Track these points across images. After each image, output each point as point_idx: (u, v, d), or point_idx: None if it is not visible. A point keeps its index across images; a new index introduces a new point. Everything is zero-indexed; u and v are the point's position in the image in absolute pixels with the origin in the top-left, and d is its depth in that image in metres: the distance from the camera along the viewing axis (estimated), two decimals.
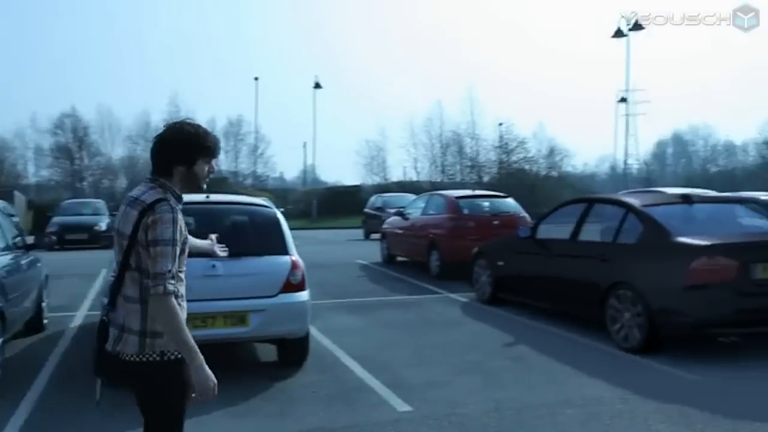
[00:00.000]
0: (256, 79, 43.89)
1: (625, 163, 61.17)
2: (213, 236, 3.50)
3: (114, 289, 2.67)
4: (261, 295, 5.92)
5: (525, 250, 8.41)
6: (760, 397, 5.34)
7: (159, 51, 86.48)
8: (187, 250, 2.74)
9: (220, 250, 3.46)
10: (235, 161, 54.69)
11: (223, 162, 51.07)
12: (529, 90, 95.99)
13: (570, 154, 52.50)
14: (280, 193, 41.42)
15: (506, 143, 46.91)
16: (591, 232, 7.49)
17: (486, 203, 12.80)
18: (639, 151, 53.46)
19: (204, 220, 6.40)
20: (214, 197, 6.64)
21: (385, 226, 15.10)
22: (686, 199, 7.28)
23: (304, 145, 47.28)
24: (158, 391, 2.65)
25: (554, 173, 48.47)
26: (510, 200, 13.15)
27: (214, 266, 5.74)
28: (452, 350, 7.01)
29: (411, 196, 25.34)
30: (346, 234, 25.84)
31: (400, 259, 14.51)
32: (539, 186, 43.56)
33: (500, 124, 46.43)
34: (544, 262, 7.95)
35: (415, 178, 47.52)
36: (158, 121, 50.45)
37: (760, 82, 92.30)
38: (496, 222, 12.16)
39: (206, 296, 5.67)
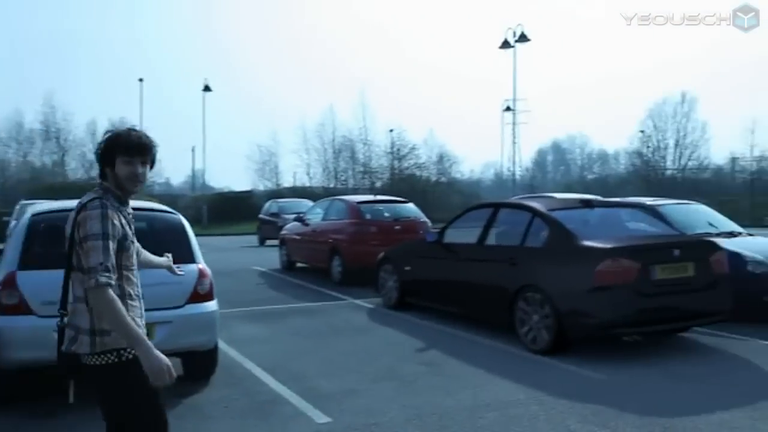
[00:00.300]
0: (140, 80, 42.03)
1: (510, 170, 63.53)
2: (169, 255, 3.56)
3: (64, 291, 2.75)
4: (167, 306, 5.58)
5: (432, 255, 8.45)
6: (665, 393, 5.58)
7: (34, 50, 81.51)
8: (131, 249, 2.78)
9: (178, 270, 3.56)
10: None
11: None
12: (420, 96, 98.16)
13: (458, 160, 54.03)
14: (168, 199, 39.73)
15: (398, 149, 47.49)
16: (498, 237, 7.63)
17: (387, 208, 12.80)
18: (521, 158, 55.47)
19: None
20: None
21: (284, 232, 14.82)
22: (587, 203, 7.56)
23: (193, 150, 45.91)
24: (122, 395, 2.67)
25: (444, 179, 49.63)
26: (411, 205, 13.23)
27: None
28: (364, 357, 6.91)
29: (307, 202, 25.12)
30: (240, 240, 25.25)
31: (300, 265, 14.27)
32: (430, 191, 44.42)
33: (391, 131, 47.10)
34: (452, 266, 8.01)
35: (308, 184, 47.18)
36: (32, 122, 47.50)
37: (629, 95, 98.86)
38: (397, 227, 12.20)
39: None
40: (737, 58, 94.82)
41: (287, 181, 49.88)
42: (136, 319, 2.73)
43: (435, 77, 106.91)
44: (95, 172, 2.93)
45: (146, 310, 5.39)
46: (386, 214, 12.53)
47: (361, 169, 48.04)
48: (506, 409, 5.23)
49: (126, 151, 2.72)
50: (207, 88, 40.40)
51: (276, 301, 10.59)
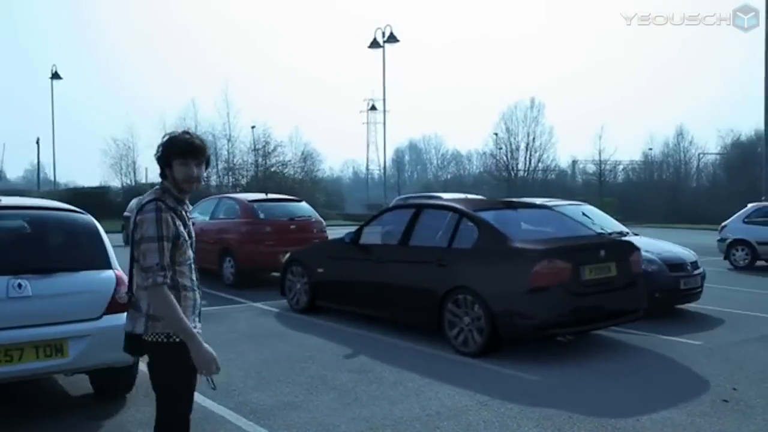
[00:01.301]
0: None
1: (368, 168, 64.15)
2: None
3: (130, 278, 3.06)
4: (82, 318, 4.92)
5: (349, 256, 8.16)
6: (601, 392, 5.68)
7: None
8: (185, 246, 3.01)
9: None
10: None
11: None
12: (284, 95, 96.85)
13: (321, 158, 53.90)
14: (10, 195, 36.49)
15: (264, 145, 46.52)
16: (422, 238, 7.46)
17: (281, 207, 12.32)
18: (382, 157, 56.25)
19: (1, 229, 5.23)
20: (7, 201, 5.43)
21: None
22: (508, 205, 7.60)
23: (37, 141, 42.31)
24: (164, 370, 3.00)
25: (309, 177, 49.31)
26: (305, 204, 12.83)
27: (20, 285, 4.65)
28: (289, 366, 6.51)
29: None
30: None
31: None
32: (297, 189, 43.99)
33: (253, 127, 45.93)
34: (372, 268, 7.75)
35: None
36: None
37: (482, 100, 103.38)
38: (293, 226, 11.78)
39: (10, 323, 4.59)
40: (582, 64, 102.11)
41: (146, 177, 47.26)
42: (188, 309, 2.99)
43: (297, 77, 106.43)
44: None
45: (58, 323, 4.84)
46: (280, 213, 12.05)
47: (225, 165, 46.50)
48: (458, 417, 5.07)
49: (181, 153, 2.97)
50: (56, 76, 37.41)
51: None
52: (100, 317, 4.99)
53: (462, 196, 17.27)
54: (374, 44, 33.95)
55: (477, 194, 24.98)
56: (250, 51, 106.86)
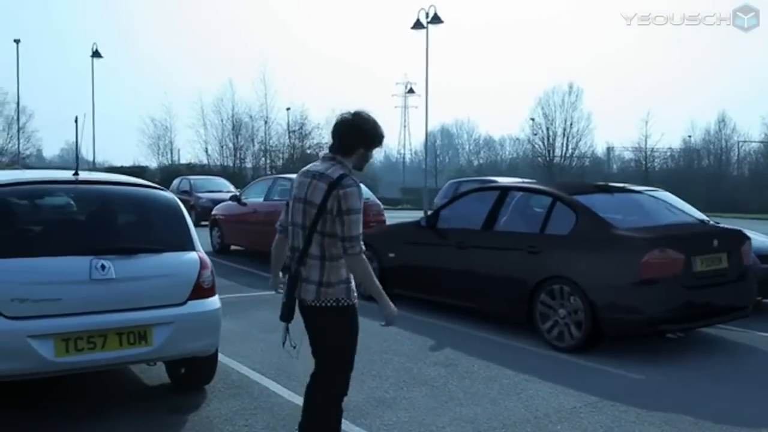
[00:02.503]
0: (17, 41, 38.22)
1: (400, 152, 63.32)
2: None
3: (303, 249, 3.21)
4: (166, 303, 4.55)
5: (425, 241, 7.68)
6: (717, 395, 5.17)
7: None
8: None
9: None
10: None
11: None
12: (320, 76, 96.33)
13: None
14: None
15: (300, 127, 46.21)
16: (508, 223, 6.97)
17: None
18: (412, 142, 55.51)
19: (81, 206, 4.88)
20: (87, 175, 5.05)
21: (216, 212, 13.52)
22: (602, 188, 7.06)
23: (76, 120, 42.26)
24: (332, 332, 3.23)
25: None
26: (362, 187, 12.38)
27: (103, 267, 4.26)
28: (369, 358, 6.06)
29: (221, 180, 23.62)
30: None
31: (234, 248, 13.09)
32: None
33: (288, 109, 45.57)
34: (452, 254, 7.26)
35: (204, 161, 44.70)
36: None
37: (520, 85, 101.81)
38: None
39: (94, 308, 4.21)
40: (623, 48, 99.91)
41: (182, 158, 47.27)
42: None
43: (334, 62, 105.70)
44: None
45: (142, 308, 4.47)
46: None
47: (261, 147, 46.25)
48: (571, 419, 4.62)
49: (382, 140, 3.29)
50: (96, 54, 37.30)
51: (227, 290, 9.43)
52: (185, 303, 4.62)
53: (518, 180, 16.64)
54: (417, 25, 33.25)
55: (520, 178, 24.25)
56: (285, 34, 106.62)
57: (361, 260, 3.15)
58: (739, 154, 58.62)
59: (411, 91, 50.55)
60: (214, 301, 4.83)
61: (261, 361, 5.85)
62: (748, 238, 6.57)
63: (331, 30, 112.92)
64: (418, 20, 33.01)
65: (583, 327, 5.95)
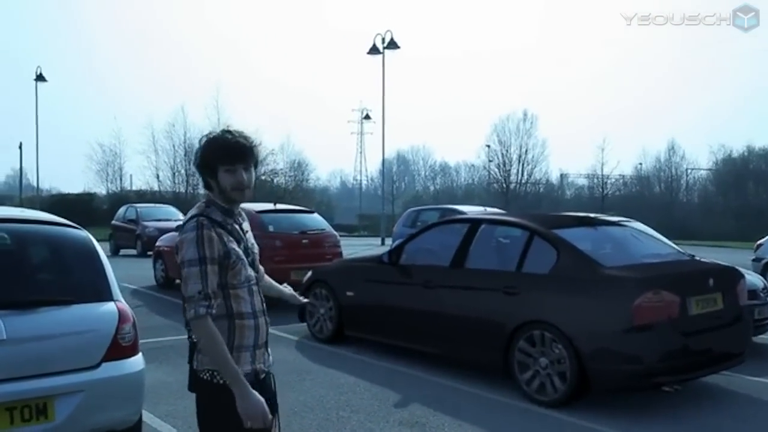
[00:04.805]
0: None
1: (356, 179, 62.69)
2: (288, 285, 3.06)
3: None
4: (74, 367, 3.73)
5: (387, 279, 6.94)
6: None
7: None
8: (239, 265, 2.48)
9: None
10: None
11: None
12: (274, 103, 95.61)
13: (311, 168, 53.14)
14: None
15: None
16: (481, 259, 6.27)
17: (292, 219, 11.06)
18: (368, 168, 54.76)
19: None
20: None
21: (160, 243, 12.58)
22: (583, 221, 6.44)
23: (20, 146, 40.64)
24: (203, 412, 2.53)
25: (300, 187, 48.43)
26: (317, 216, 11.61)
27: None
28: (326, 415, 5.29)
29: (169, 208, 22.53)
30: None
31: (179, 282, 12.13)
32: (288, 199, 42.92)
33: None
34: (418, 294, 6.54)
35: (156, 188, 43.18)
36: None
37: (476, 113, 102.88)
38: (305, 240, 10.55)
39: None
40: (574, 77, 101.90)
41: (133, 185, 45.61)
42: (247, 340, 2.51)
43: (284, 87, 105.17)
44: None
45: (41, 376, 3.62)
46: (291, 226, 10.81)
47: None
48: None
49: (226, 157, 2.49)
50: (41, 77, 35.99)
51: (167, 331, 8.56)
52: (98, 365, 3.82)
53: (481, 209, 16.09)
54: (373, 50, 32.90)
55: (478, 206, 23.80)
56: (238, 60, 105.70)
57: (197, 326, 2.38)
58: (687, 181, 59.66)
59: (367, 117, 50.11)
60: (136, 362, 4.02)
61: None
62: (743, 276, 6.02)
63: (286, 56, 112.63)
64: (374, 45, 32.70)
65: (568, 378, 5.27)
